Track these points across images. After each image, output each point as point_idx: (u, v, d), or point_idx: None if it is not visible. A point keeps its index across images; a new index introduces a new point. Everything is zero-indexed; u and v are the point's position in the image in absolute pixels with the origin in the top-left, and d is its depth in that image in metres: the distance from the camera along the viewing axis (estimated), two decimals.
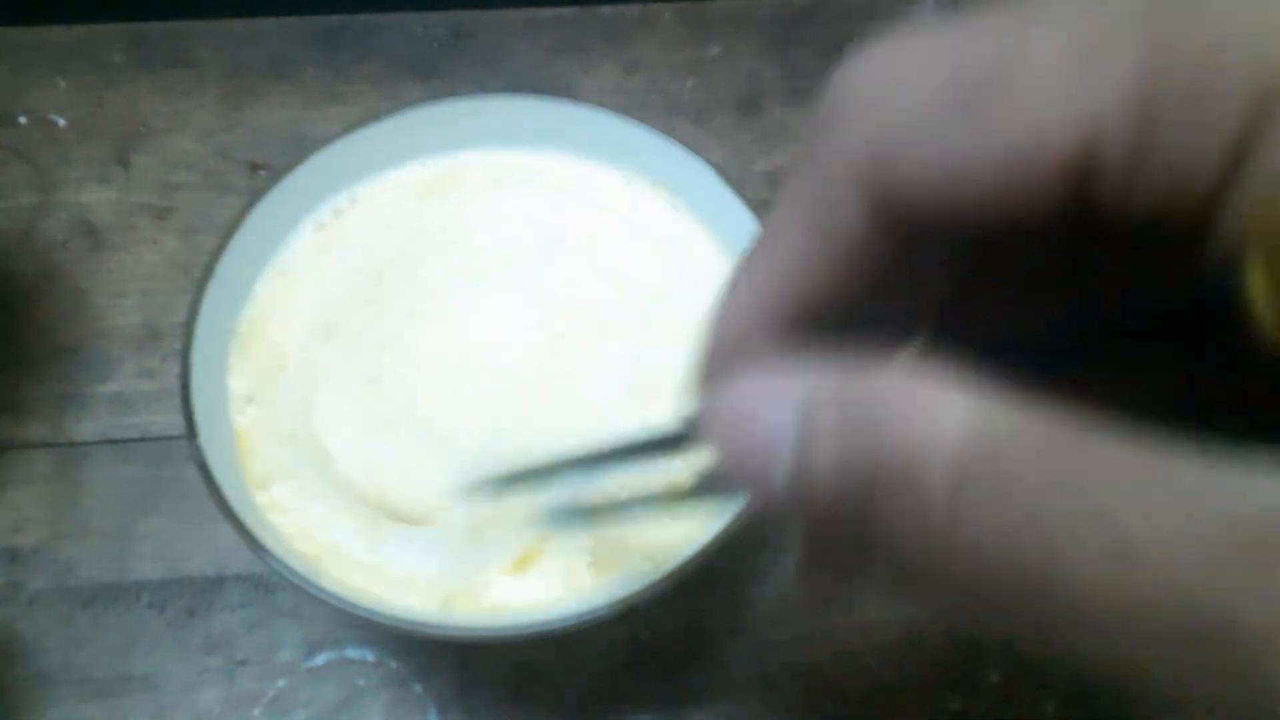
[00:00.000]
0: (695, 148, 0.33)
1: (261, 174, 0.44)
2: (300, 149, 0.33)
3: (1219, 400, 0.13)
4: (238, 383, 0.31)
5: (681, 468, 0.24)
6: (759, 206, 0.32)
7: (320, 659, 0.34)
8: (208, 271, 0.30)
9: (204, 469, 0.27)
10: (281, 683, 0.34)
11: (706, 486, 0.16)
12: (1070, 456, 0.10)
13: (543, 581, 0.29)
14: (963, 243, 0.14)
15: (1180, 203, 0.11)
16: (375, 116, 0.34)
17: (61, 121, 0.46)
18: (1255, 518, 0.09)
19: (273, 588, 0.35)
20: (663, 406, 0.31)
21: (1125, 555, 0.10)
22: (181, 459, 0.37)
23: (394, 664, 0.34)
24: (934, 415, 0.11)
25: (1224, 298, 0.11)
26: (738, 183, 0.32)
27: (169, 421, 0.38)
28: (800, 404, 0.13)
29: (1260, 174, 0.10)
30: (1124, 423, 0.10)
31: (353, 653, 0.34)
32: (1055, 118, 0.11)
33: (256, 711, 0.33)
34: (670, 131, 0.33)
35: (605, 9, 0.50)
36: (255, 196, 0.32)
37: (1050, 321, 0.15)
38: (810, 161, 0.14)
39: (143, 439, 0.38)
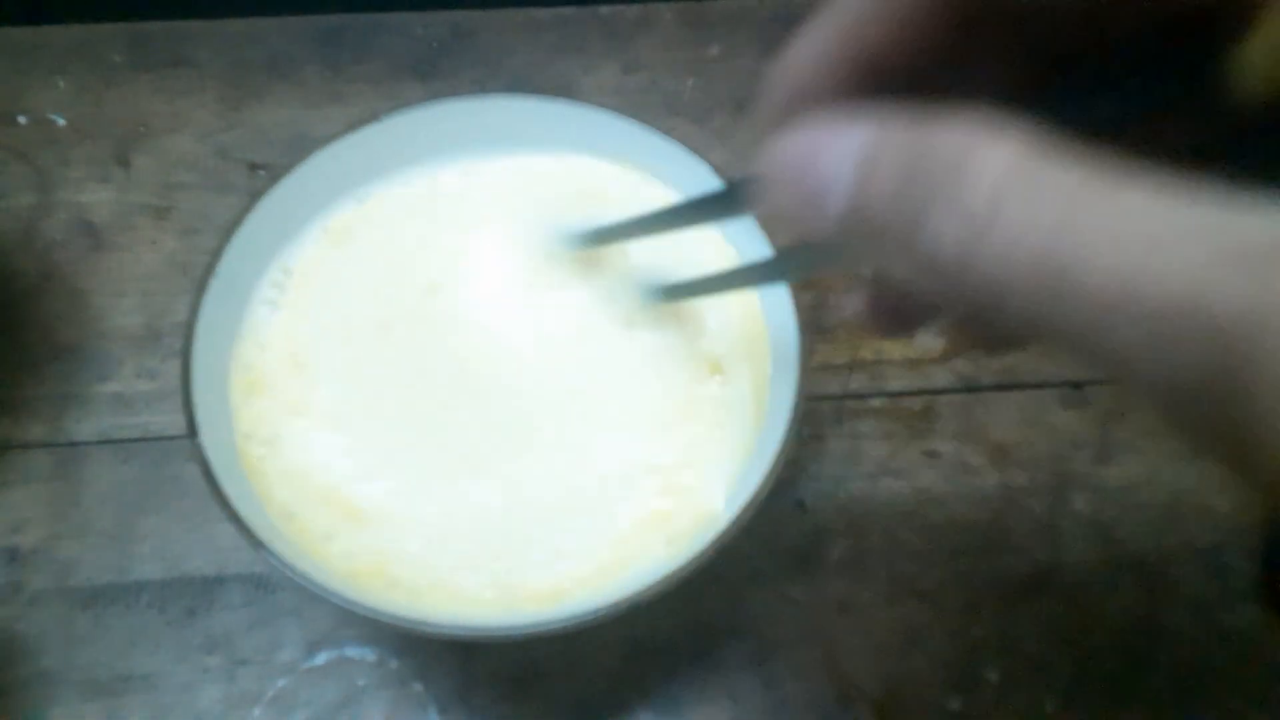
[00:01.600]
0: (695, 148, 0.33)
1: (261, 174, 0.44)
2: (300, 149, 0.33)
3: (1217, 151, 0.15)
4: (238, 382, 0.31)
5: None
6: None
7: (320, 659, 0.34)
8: (208, 271, 0.30)
9: (204, 468, 0.27)
10: (281, 683, 0.34)
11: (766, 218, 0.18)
12: (1094, 186, 0.12)
13: None
14: (1013, 27, 0.16)
15: None
16: (375, 116, 0.34)
17: (61, 121, 0.46)
18: (1239, 236, 0.11)
19: (273, 587, 0.35)
20: (663, 403, 0.31)
21: (1131, 263, 0.11)
22: (181, 459, 0.37)
23: (394, 663, 0.34)
24: (983, 143, 0.13)
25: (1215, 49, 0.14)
26: None
27: (169, 421, 0.38)
28: (862, 139, 0.14)
29: None
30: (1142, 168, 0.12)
31: (353, 652, 0.34)
32: None
33: (256, 711, 0.33)
34: (670, 131, 0.33)
35: (605, 9, 0.50)
36: (255, 196, 0.32)
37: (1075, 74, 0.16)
38: None
39: (143, 439, 0.38)
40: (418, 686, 0.34)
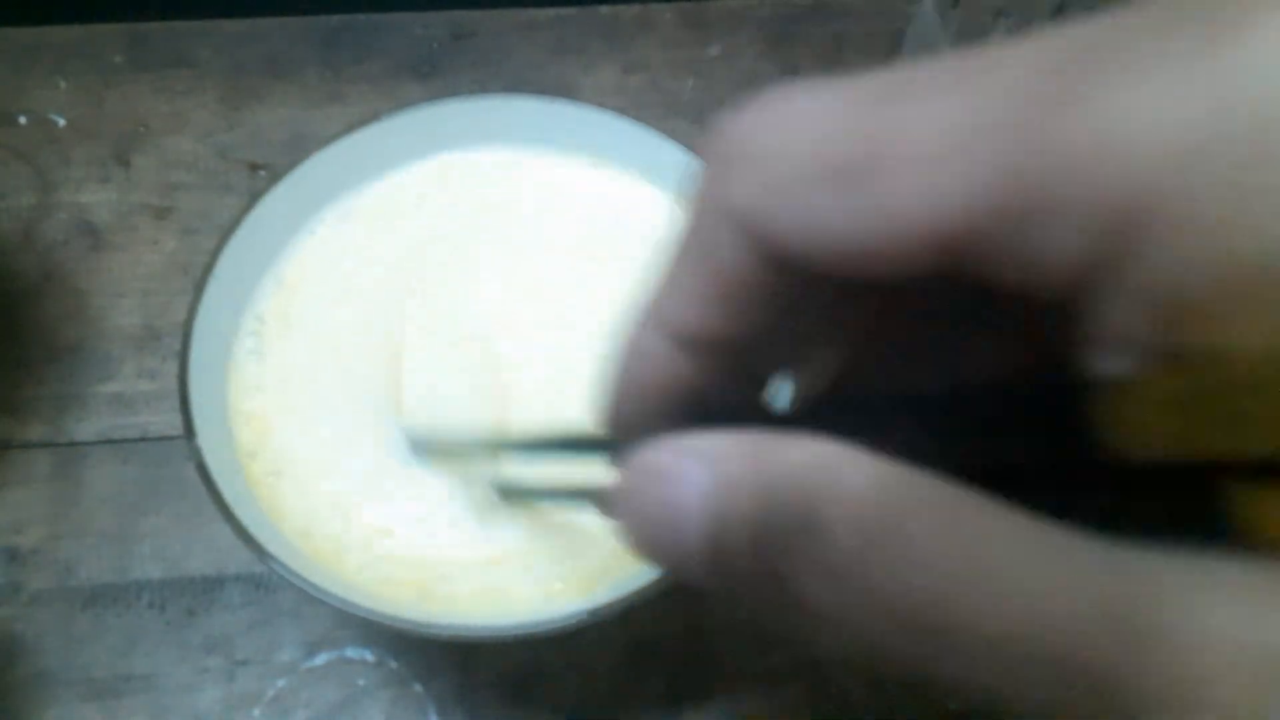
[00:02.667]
0: (695, 148, 0.33)
1: (261, 174, 0.44)
2: (300, 149, 0.33)
3: (1081, 483, 0.14)
4: (238, 382, 0.31)
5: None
6: None
7: (320, 659, 0.34)
8: (208, 271, 0.30)
9: (203, 469, 0.27)
10: (281, 683, 0.34)
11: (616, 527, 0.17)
12: (960, 516, 0.12)
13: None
14: (849, 296, 0.15)
15: (1044, 297, 0.12)
16: (375, 116, 0.34)
17: (61, 121, 0.46)
18: (1118, 591, 0.11)
19: (273, 588, 0.35)
20: None
21: (1010, 606, 0.11)
22: (181, 459, 0.37)
23: (394, 664, 0.34)
24: (841, 480, 0.12)
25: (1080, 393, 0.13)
26: None
27: (169, 421, 0.38)
28: (711, 477, 0.13)
29: (1125, 286, 0.11)
30: (998, 490, 0.12)
31: (353, 653, 0.34)
32: (921, 204, 0.12)
33: (256, 711, 0.33)
34: (670, 131, 0.33)
35: (605, 9, 0.50)
36: (255, 196, 0.32)
37: (932, 384, 0.16)
38: (699, 207, 0.15)
39: (143, 439, 0.38)
40: (417, 687, 0.34)
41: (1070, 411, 0.13)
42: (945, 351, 0.16)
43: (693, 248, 0.15)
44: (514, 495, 0.27)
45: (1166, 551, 0.11)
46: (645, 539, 0.14)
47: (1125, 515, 0.12)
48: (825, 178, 0.13)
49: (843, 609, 0.12)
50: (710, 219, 0.14)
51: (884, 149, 0.12)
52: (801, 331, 0.16)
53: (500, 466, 0.27)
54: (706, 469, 0.13)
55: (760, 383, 0.17)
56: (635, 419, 0.16)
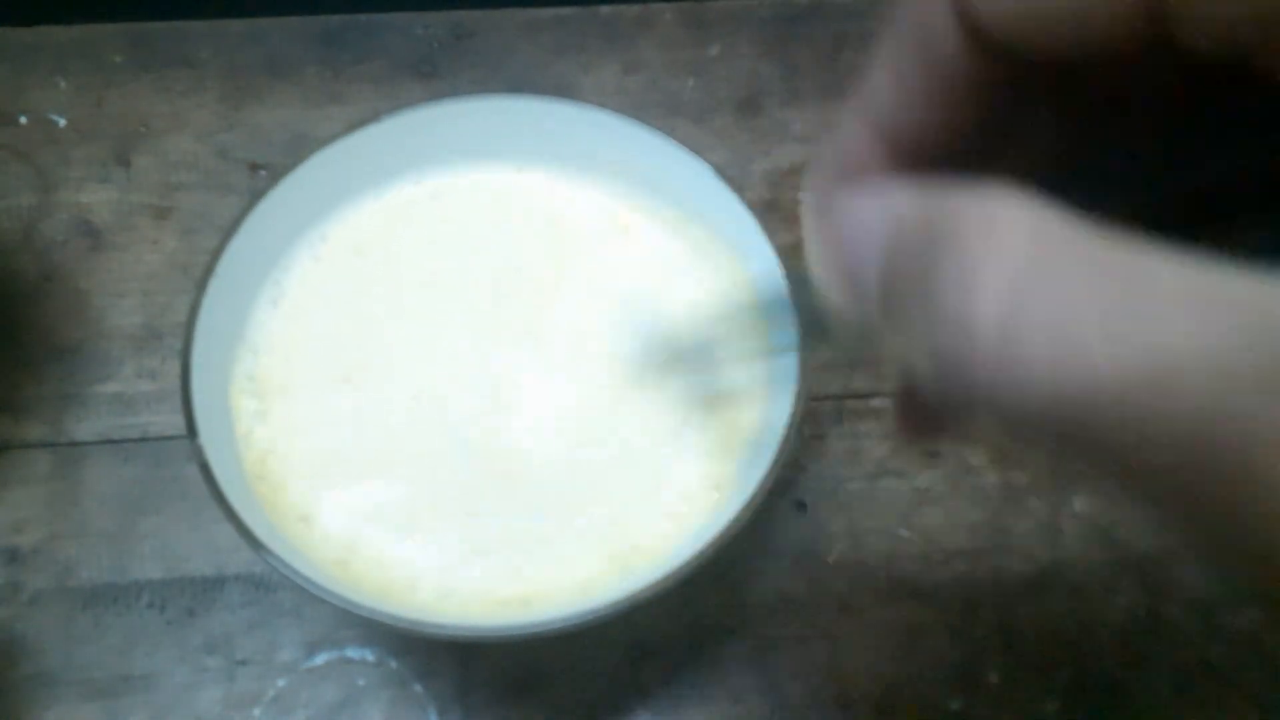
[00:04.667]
0: (695, 148, 0.33)
1: (261, 174, 0.44)
2: (300, 149, 0.33)
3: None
4: (238, 382, 0.31)
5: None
6: (759, 206, 0.32)
7: (320, 659, 0.34)
8: (208, 271, 0.30)
9: (204, 469, 0.27)
10: (281, 683, 0.34)
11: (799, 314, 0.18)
12: (1117, 273, 0.11)
13: None
14: (1060, 82, 0.15)
15: (1252, 34, 0.12)
16: (375, 116, 0.34)
17: (61, 121, 0.46)
18: (1265, 334, 0.10)
19: (273, 588, 0.35)
20: (664, 401, 0.31)
21: (1160, 366, 0.11)
22: (181, 459, 0.37)
23: (394, 664, 0.34)
24: (997, 223, 0.12)
25: None
26: (738, 183, 0.32)
27: (169, 421, 0.38)
28: (889, 213, 0.14)
29: None
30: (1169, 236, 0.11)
31: (353, 653, 0.34)
32: None
33: (256, 711, 0.33)
34: (670, 131, 0.33)
35: (605, 9, 0.50)
36: (255, 196, 0.32)
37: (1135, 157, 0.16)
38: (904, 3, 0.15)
39: (143, 439, 0.38)
40: (417, 687, 0.34)
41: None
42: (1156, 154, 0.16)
43: (901, 38, 0.15)
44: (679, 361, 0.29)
45: None
46: (828, 266, 0.15)
47: None
48: None
49: (962, 352, 0.12)
50: (920, 6, 0.15)
51: None
52: (1006, 144, 0.16)
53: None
54: (885, 210, 0.14)
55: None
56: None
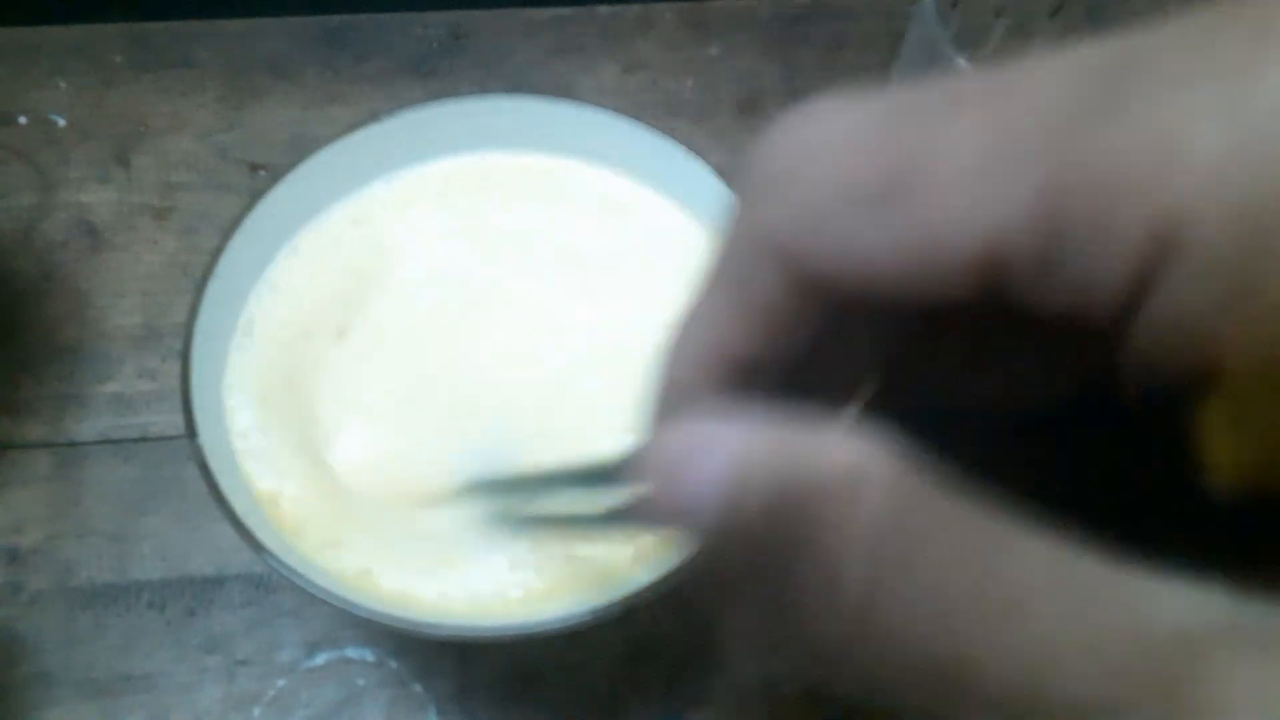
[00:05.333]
0: (695, 148, 0.33)
1: (261, 174, 0.44)
2: (300, 149, 0.33)
3: (1140, 492, 0.14)
4: (238, 382, 0.31)
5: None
6: None
7: (320, 659, 0.34)
8: (208, 271, 0.30)
9: (204, 469, 0.27)
10: (281, 683, 0.34)
11: (637, 516, 0.16)
12: (985, 546, 0.11)
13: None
14: (890, 319, 0.15)
15: (1088, 314, 0.11)
16: (375, 116, 0.34)
17: (61, 121, 0.46)
18: (1161, 638, 0.10)
19: (273, 588, 0.35)
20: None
21: (1035, 655, 0.10)
22: (181, 459, 0.37)
23: (394, 664, 0.34)
24: (859, 487, 0.11)
25: (1158, 422, 0.12)
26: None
27: (169, 421, 0.38)
28: (734, 454, 0.13)
29: (1157, 315, 0.10)
30: (1045, 511, 0.11)
31: (353, 653, 0.34)
32: (961, 224, 0.11)
33: (256, 711, 0.33)
34: (670, 131, 0.33)
35: (605, 9, 0.50)
36: (255, 196, 0.32)
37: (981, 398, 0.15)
38: (734, 234, 0.14)
39: (143, 439, 0.38)
40: (417, 687, 0.34)
41: (1148, 434, 0.12)
42: (988, 374, 0.16)
43: (727, 273, 0.15)
44: (523, 526, 0.27)
45: (1215, 596, 0.10)
46: (661, 512, 0.14)
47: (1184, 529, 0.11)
48: (859, 201, 0.12)
49: (847, 637, 0.12)
50: (745, 245, 0.14)
51: (919, 169, 0.12)
52: (838, 356, 0.16)
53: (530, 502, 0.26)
54: (724, 459, 0.13)
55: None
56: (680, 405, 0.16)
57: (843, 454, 0.12)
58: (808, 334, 0.14)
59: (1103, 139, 0.10)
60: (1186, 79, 0.10)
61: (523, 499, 0.25)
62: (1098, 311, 0.11)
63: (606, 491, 0.18)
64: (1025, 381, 0.15)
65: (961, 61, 0.34)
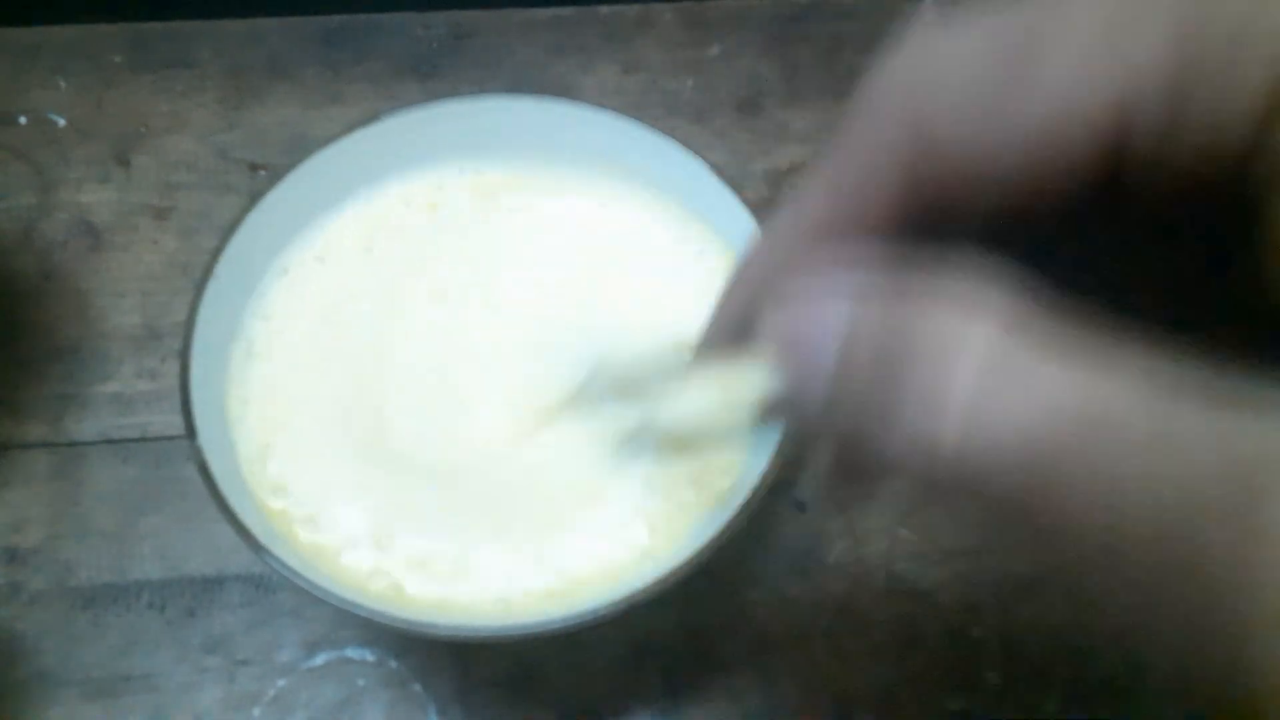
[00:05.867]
0: (695, 148, 0.33)
1: (261, 174, 0.44)
2: (300, 149, 0.33)
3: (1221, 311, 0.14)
4: (238, 382, 0.31)
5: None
6: (759, 206, 0.32)
7: (320, 659, 0.34)
8: (208, 272, 0.30)
9: (204, 469, 0.27)
10: (281, 683, 0.34)
11: (762, 406, 0.17)
12: (1079, 378, 0.11)
13: None
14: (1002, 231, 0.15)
15: (1208, 170, 0.12)
16: (375, 116, 0.34)
17: (61, 121, 0.46)
18: (1242, 461, 0.10)
19: (273, 588, 0.35)
20: None
21: (1117, 495, 0.11)
22: (181, 459, 0.37)
23: (394, 664, 0.34)
24: (961, 326, 0.12)
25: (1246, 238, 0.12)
26: (737, 183, 0.32)
27: (169, 421, 0.38)
28: (841, 318, 0.13)
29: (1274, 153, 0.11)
30: (1137, 322, 0.11)
31: (353, 653, 0.34)
32: (1090, 86, 0.12)
33: (256, 711, 0.33)
34: (670, 131, 0.33)
35: (605, 9, 0.50)
36: (255, 196, 0.32)
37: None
38: (854, 130, 0.15)
39: (143, 439, 0.38)
40: (417, 687, 0.34)
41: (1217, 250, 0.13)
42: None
43: (851, 149, 0.15)
44: (645, 447, 0.27)
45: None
46: (787, 357, 0.15)
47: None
48: (989, 74, 0.13)
49: (952, 452, 0.12)
50: (859, 149, 0.14)
51: (1046, 40, 0.12)
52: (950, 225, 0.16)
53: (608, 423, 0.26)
54: (845, 302, 0.14)
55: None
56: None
57: (948, 298, 0.12)
58: (920, 222, 0.15)
59: (1221, 5, 0.11)
60: None
61: (635, 402, 0.25)
62: (1223, 155, 0.11)
63: (707, 379, 0.19)
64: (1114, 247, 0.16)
65: None
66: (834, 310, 0.14)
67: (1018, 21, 0.13)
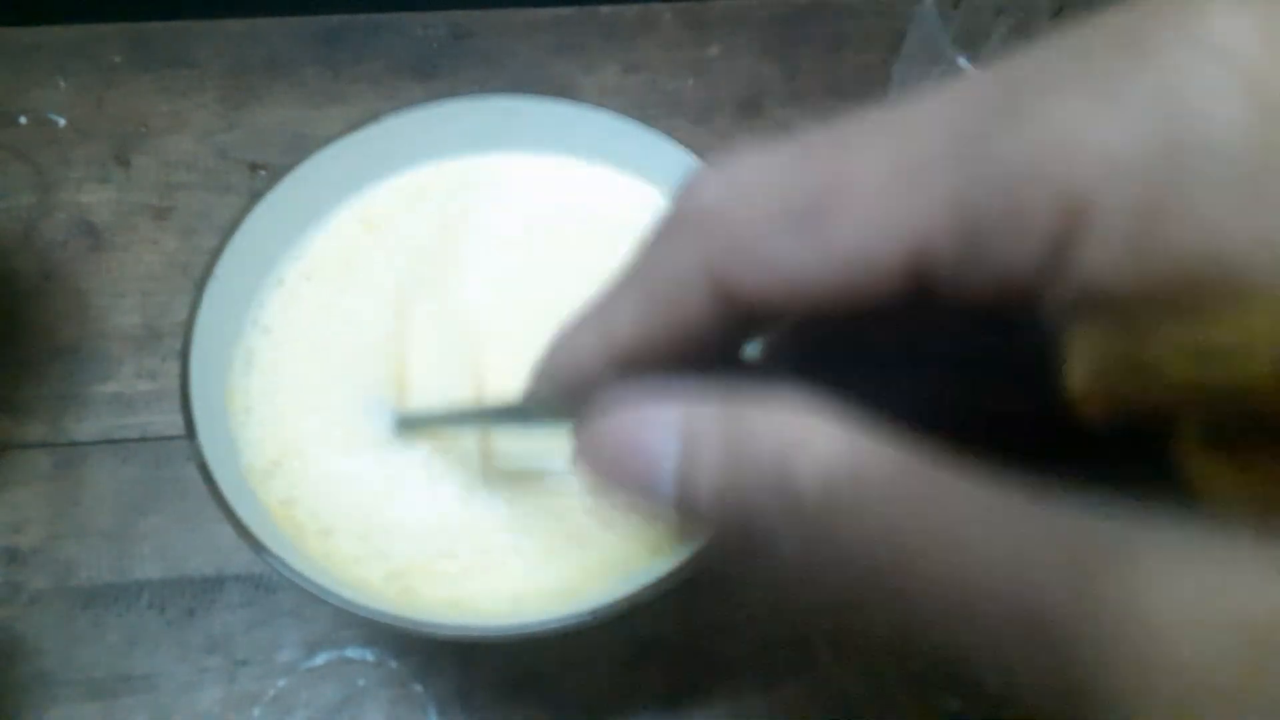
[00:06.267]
0: (695, 148, 0.33)
1: (261, 174, 0.44)
2: (300, 149, 0.33)
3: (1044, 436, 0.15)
4: (238, 382, 0.31)
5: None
6: None
7: (320, 659, 0.34)
8: (207, 272, 0.30)
9: (204, 469, 0.27)
10: (281, 683, 0.34)
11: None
12: (918, 481, 0.12)
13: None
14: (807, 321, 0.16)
15: (1006, 294, 0.13)
16: (375, 116, 0.34)
17: (61, 121, 0.46)
18: (1078, 554, 0.11)
19: (273, 588, 0.35)
20: None
21: (969, 566, 0.12)
22: (181, 459, 0.37)
23: (394, 664, 0.34)
24: (809, 448, 0.13)
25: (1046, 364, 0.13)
26: None
27: (169, 421, 0.38)
28: (681, 432, 0.14)
29: (1075, 275, 0.12)
30: (959, 451, 0.12)
31: (353, 653, 0.34)
32: (883, 233, 0.13)
33: (256, 711, 0.33)
34: (670, 131, 0.33)
35: (605, 9, 0.50)
36: (255, 196, 0.32)
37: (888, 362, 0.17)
38: (657, 252, 0.15)
39: (143, 439, 0.38)
40: (417, 687, 0.34)
41: (1037, 376, 0.14)
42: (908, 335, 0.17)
43: (647, 284, 0.15)
44: (500, 464, 0.29)
45: (1129, 515, 0.11)
46: (620, 500, 0.15)
47: (1092, 479, 0.12)
48: (785, 221, 0.13)
49: (811, 566, 0.13)
50: (665, 268, 0.15)
51: (840, 188, 0.13)
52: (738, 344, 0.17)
53: (484, 439, 0.29)
54: (674, 440, 0.14)
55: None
56: (580, 387, 0.17)
57: (787, 418, 0.13)
58: (719, 338, 0.15)
59: (1005, 143, 0.12)
60: (1073, 86, 0.12)
61: (473, 431, 0.28)
62: (1016, 289, 0.12)
63: (536, 429, 0.19)
64: (934, 339, 0.17)
65: (962, 61, 0.34)
66: (670, 413, 0.14)
67: (810, 167, 0.13)
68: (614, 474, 0.15)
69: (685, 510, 0.14)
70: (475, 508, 0.30)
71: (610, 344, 0.16)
